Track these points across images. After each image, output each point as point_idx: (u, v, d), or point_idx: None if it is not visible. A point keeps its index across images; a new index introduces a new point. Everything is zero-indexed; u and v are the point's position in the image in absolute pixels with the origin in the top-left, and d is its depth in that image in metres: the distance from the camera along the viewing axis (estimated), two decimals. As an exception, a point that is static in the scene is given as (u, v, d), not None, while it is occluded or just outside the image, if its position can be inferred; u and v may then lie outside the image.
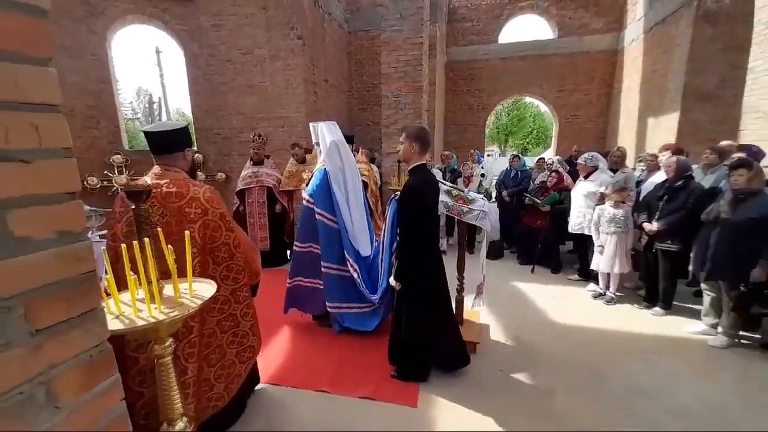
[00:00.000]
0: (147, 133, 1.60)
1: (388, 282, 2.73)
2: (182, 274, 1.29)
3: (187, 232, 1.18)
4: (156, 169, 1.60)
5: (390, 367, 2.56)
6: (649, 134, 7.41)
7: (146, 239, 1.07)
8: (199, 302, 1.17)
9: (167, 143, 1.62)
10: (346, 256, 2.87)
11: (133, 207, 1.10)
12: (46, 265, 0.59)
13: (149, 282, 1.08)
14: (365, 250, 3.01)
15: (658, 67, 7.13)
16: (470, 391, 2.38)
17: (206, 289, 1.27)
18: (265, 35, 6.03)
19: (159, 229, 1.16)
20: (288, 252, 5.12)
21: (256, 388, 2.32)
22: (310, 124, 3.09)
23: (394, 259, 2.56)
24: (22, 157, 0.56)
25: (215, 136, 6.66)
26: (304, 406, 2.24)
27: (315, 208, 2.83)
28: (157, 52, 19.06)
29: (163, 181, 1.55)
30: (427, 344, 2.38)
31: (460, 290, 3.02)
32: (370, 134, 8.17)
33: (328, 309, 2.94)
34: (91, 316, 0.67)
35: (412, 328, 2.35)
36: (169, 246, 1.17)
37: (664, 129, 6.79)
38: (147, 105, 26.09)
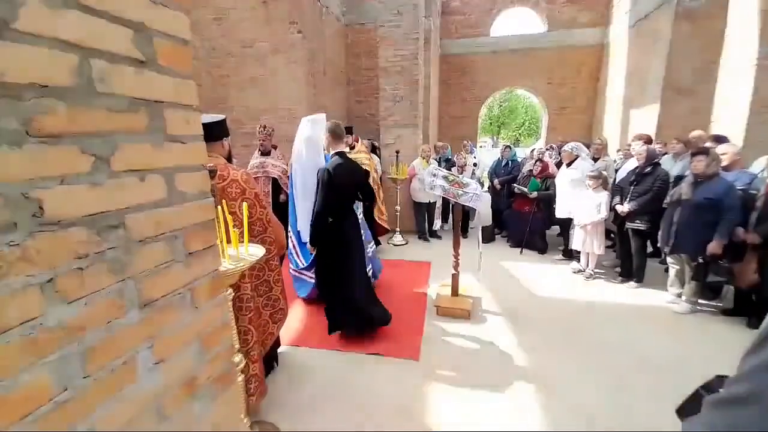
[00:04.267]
0: None
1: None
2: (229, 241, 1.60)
3: (245, 204, 1.50)
4: None
5: (392, 329, 2.93)
6: (632, 125, 7.81)
7: (218, 208, 1.37)
8: (255, 258, 1.48)
9: (209, 133, 1.91)
10: (289, 227, 3.38)
11: (205, 182, 1.41)
12: (193, 211, 0.90)
13: (221, 241, 1.38)
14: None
15: (641, 61, 7.50)
16: (464, 349, 2.75)
17: (258, 251, 1.58)
18: (266, 29, 6.21)
19: (223, 201, 1.46)
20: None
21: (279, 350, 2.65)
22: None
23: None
24: (181, 140, 0.87)
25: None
26: (323, 363, 2.59)
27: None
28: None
29: (207, 165, 1.85)
30: (338, 298, 2.77)
31: (456, 266, 3.37)
32: (368, 126, 8.41)
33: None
34: (213, 248, 0.98)
35: (323, 284, 2.82)
36: (230, 215, 1.48)
37: (646, 120, 7.20)
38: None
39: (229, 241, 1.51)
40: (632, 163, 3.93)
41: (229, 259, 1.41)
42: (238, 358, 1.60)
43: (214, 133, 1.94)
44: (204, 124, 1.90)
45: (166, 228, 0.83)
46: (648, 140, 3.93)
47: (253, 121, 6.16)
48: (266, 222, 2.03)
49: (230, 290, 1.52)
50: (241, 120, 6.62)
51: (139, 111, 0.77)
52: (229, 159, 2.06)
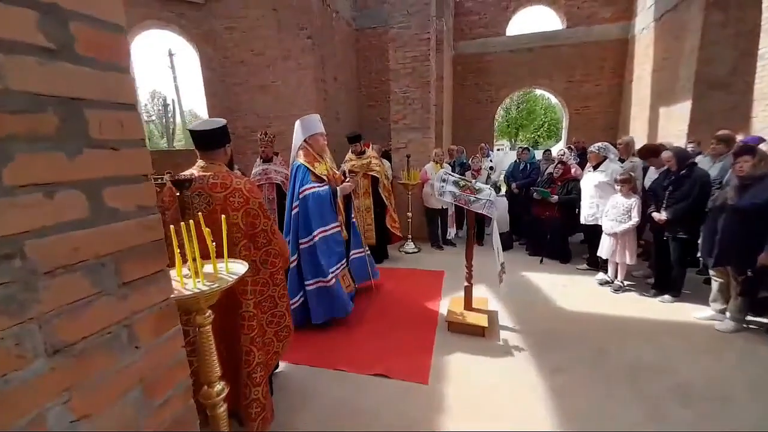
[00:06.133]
0: (193, 132, 1.79)
1: None
2: (222, 257, 1.45)
3: (223, 217, 1.34)
4: (201, 162, 1.79)
5: (400, 346, 2.76)
6: (661, 123, 7.33)
7: (191, 221, 1.22)
8: (235, 277, 1.32)
9: (210, 140, 1.81)
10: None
11: (179, 194, 1.27)
12: (130, 231, 0.75)
13: (193, 259, 1.24)
14: None
15: (670, 55, 7.04)
16: (478, 369, 2.51)
17: (240, 268, 1.42)
18: (276, 36, 6.20)
19: (200, 213, 1.32)
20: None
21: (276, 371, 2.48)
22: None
23: None
24: (112, 146, 0.72)
25: (230, 136, 6.88)
26: (323, 384, 2.40)
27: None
28: (170, 54, 19.51)
29: (208, 173, 1.74)
30: None
31: (469, 278, 3.13)
32: (379, 131, 8.28)
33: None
34: (161, 275, 0.83)
35: None
36: (207, 228, 1.33)
37: (676, 118, 6.72)
38: (161, 107, 26.74)
39: (206, 258, 1.36)
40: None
41: (203, 280, 1.25)
42: (219, 386, 1.44)
43: (216, 139, 1.83)
44: (206, 131, 1.84)
45: (89, 254, 0.68)
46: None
47: (264, 129, 6.13)
48: (270, 233, 1.89)
49: (209, 312, 1.36)
50: (252, 127, 6.62)
51: (47, 111, 0.62)
52: (230, 166, 1.95)
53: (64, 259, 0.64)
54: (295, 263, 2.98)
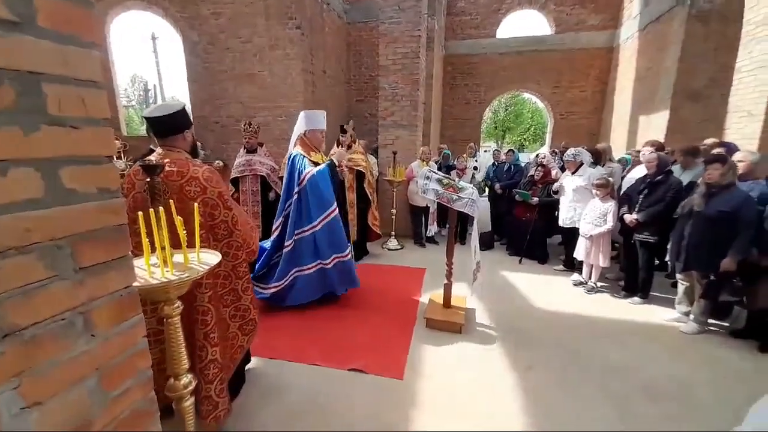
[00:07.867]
0: (147, 118, 1.71)
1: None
2: (188, 246, 1.41)
3: (195, 204, 1.30)
4: (159, 149, 1.72)
5: (377, 342, 2.76)
6: (640, 132, 7.57)
7: (160, 208, 1.19)
8: (206, 267, 1.29)
9: (167, 126, 1.72)
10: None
11: (148, 180, 1.22)
12: (89, 214, 0.72)
13: (162, 248, 1.20)
14: None
15: (652, 65, 7.27)
16: (454, 366, 2.55)
17: (212, 258, 1.40)
18: (264, 24, 6.06)
19: (171, 200, 1.28)
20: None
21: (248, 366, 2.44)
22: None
23: None
24: (72, 124, 0.69)
25: (214, 125, 6.71)
26: (298, 378, 2.39)
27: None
28: (153, 38, 18.83)
29: (165, 161, 1.66)
30: None
31: (449, 276, 3.17)
32: (368, 126, 8.24)
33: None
34: (123, 261, 0.80)
35: None
36: (179, 217, 1.29)
37: (654, 127, 6.96)
38: (142, 92, 25.86)
39: (177, 247, 1.33)
40: (639, 171, 3.71)
41: (172, 269, 1.22)
42: (186, 379, 1.42)
43: (175, 124, 1.73)
44: (161, 118, 1.75)
45: (43, 236, 0.65)
46: (659, 147, 3.69)
47: (249, 119, 6.00)
48: (232, 225, 1.83)
49: (178, 303, 1.33)
50: (236, 116, 6.48)
51: (2, 84, 0.59)
52: (194, 152, 1.87)
53: (16, 240, 0.61)
54: (290, 247, 3.13)
